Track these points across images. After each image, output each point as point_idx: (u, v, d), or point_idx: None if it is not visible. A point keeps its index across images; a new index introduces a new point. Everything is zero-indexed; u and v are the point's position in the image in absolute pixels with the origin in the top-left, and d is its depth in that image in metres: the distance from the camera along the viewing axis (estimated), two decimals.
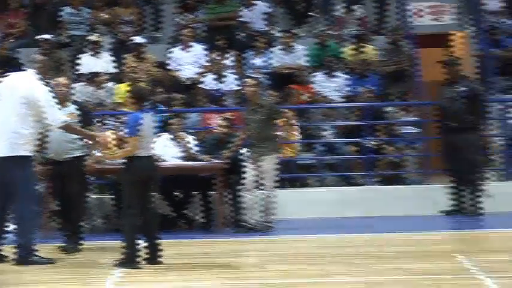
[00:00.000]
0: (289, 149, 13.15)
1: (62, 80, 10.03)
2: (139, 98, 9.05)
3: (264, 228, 11.34)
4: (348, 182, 13.32)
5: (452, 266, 8.47)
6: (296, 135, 13.23)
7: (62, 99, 9.63)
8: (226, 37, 15.00)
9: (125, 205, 8.96)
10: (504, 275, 7.89)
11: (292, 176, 13.38)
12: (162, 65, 14.26)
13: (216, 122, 12.65)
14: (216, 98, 13.86)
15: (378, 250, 9.58)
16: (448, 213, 12.30)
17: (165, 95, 13.59)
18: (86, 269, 8.96)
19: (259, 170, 11.35)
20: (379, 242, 10.26)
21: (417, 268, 8.38)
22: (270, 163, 11.35)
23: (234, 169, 11.78)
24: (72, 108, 9.84)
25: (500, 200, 12.39)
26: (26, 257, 8.96)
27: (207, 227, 11.83)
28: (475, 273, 8.07)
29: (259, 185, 11.41)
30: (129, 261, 8.86)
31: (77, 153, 9.86)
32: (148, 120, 8.97)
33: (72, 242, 9.85)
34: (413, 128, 13.83)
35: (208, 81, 14.37)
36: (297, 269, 8.60)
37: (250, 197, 11.40)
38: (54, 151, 9.84)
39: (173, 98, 13.52)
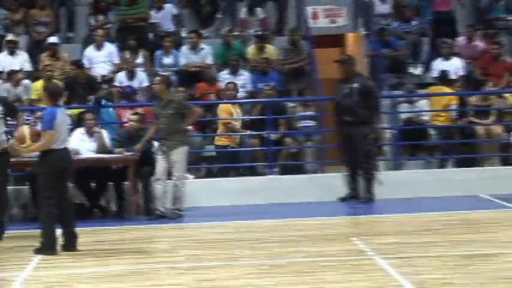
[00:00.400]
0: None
1: None
2: (53, 95, 9.03)
3: (174, 215, 11.30)
4: (252, 172, 13.36)
5: (349, 248, 8.62)
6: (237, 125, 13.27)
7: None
8: (137, 37, 14.88)
9: (42, 195, 8.87)
10: (394, 256, 8.09)
11: (199, 166, 13.41)
12: (77, 63, 14.05)
13: (128, 117, 12.55)
14: (128, 94, 13.73)
15: (281, 235, 9.64)
16: (344, 200, 12.45)
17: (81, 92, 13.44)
18: (5, 256, 8.81)
19: (169, 162, 11.28)
20: (282, 227, 10.33)
21: (317, 251, 8.49)
22: (179, 155, 11.29)
23: (145, 161, 11.72)
24: None
25: (390, 188, 12.58)
26: None
27: (120, 216, 11.74)
28: (369, 254, 8.23)
29: (169, 175, 11.34)
30: (47, 248, 8.75)
31: None
32: (62, 115, 8.89)
33: None
34: (311, 121, 13.94)
35: (120, 79, 14.23)
36: (206, 254, 8.62)
37: (160, 186, 11.34)
38: None
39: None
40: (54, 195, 8.77)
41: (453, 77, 14.25)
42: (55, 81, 13.29)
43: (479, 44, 15.18)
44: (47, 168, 8.81)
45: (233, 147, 13.30)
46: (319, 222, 10.62)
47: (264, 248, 8.83)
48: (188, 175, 13.25)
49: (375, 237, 9.33)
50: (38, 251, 8.75)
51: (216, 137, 13.45)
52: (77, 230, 8.99)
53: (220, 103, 13.57)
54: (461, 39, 15.23)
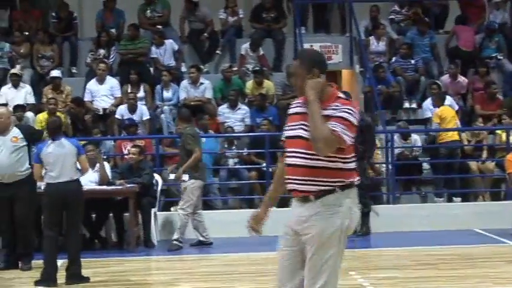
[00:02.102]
0: None
1: (2, 110, 9.95)
2: (49, 129, 9.12)
3: (173, 247, 11.00)
4: (249, 204, 13.09)
5: (349, 283, 8.33)
6: None
7: (5, 127, 9.58)
8: (138, 71, 14.69)
9: (43, 226, 8.67)
10: None
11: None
12: (77, 101, 13.90)
13: (129, 149, 12.31)
14: (128, 127, 13.49)
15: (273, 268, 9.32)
16: None
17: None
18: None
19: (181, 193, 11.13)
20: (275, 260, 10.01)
21: None
22: (189, 186, 11.04)
23: (145, 192, 11.47)
24: (16, 132, 9.62)
25: (385, 221, 12.35)
26: None
27: (121, 247, 11.44)
28: None
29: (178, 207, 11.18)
30: (45, 279, 8.47)
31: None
32: (56, 148, 8.67)
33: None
34: None
35: (122, 112, 14.01)
36: (206, 287, 8.35)
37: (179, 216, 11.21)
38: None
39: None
40: (53, 227, 8.53)
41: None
42: (58, 114, 13.11)
43: (462, 80, 15.06)
44: (45, 200, 8.65)
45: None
46: None
47: (266, 281, 8.53)
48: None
49: (373, 271, 9.08)
50: (38, 283, 8.47)
51: None
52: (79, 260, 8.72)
53: (219, 136, 13.35)
54: (445, 78, 15.09)
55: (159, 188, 12.00)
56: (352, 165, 4.94)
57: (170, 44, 15.30)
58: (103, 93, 14.40)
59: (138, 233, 11.47)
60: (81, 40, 16.08)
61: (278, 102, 14.67)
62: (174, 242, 11.09)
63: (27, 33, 15.49)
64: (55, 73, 14.45)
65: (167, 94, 14.62)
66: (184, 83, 14.67)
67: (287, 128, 4.96)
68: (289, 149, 4.89)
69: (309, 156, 4.79)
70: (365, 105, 14.78)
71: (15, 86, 14.21)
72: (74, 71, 15.78)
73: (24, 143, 9.61)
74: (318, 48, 15.94)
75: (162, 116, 14.35)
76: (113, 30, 15.67)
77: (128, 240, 11.35)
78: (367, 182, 12.08)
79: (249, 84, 14.83)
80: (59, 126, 9.16)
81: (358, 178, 4.91)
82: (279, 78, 15.11)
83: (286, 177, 4.89)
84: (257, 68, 14.98)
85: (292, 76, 4.95)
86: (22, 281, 8.99)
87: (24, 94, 14.21)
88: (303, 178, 4.80)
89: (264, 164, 13.14)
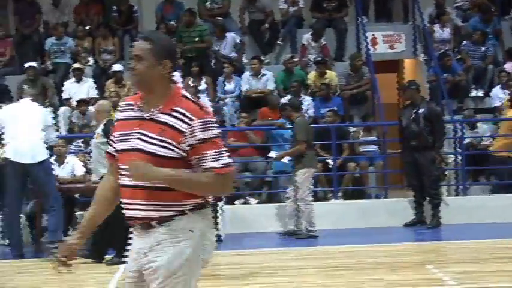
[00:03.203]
0: None
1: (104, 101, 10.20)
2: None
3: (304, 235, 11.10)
4: (316, 197, 12.83)
5: (428, 277, 8.05)
6: None
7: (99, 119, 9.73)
8: (199, 64, 14.52)
9: None
10: (476, 286, 7.50)
11: (260, 192, 12.94)
12: None
13: None
14: None
15: (355, 262, 9.09)
16: (409, 225, 11.89)
17: None
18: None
19: (294, 183, 11.12)
20: (353, 254, 9.77)
21: (396, 280, 7.92)
22: (299, 177, 11.03)
23: None
24: (99, 129, 9.59)
25: (455, 213, 12.03)
26: None
27: None
28: (450, 284, 7.66)
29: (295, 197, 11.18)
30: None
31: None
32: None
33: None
34: (373, 146, 13.43)
35: None
36: (278, 282, 8.12)
37: (288, 205, 11.27)
38: None
39: None
40: None
41: None
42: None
43: None
44: None
45: None
46: (389, 249, 10.02)
47: (338, 275, 8.29)
48: (252, 200, 12.86)
49: (452, 265, 8.73)
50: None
51: None
52: None
53: (284, 128, 13.08)
54: (509, 65, 14.62)
55: None
56: None
57: (232, 37, 15.10)
58: None
59: None
60: (142, 33, 15.92)
61: (341, 92, 14.40)
62: (305, 231, 11.08)
63: (88, 27, 15.45)
64: (117, 67, 14.38)
65: (229, 86, 14.44)
66: (246, 74, 14.46)
67: (117, 138, 3.89)
68: (123, 166, 3.84)
69: None
70: (430, 94, 14.42)
71: (78, 80, 14.17)
72: None
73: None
74: (380, 37, 15.67)
75: (225, 108, 14.17)
76: (173, 23, 15.53)
77: None
78: (438, 173, 11.78)
79: (311, 74, 14.57)
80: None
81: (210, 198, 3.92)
82: (342, 68, 14.82)
83: (123, 201, 3.90)
84: (319, 59, 14.71)
85: (133, 59, 3.81)
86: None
87: (86, 88, 14.15)
88: (143, 202, 3.81)
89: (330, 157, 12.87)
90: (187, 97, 3.83)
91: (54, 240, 9.68)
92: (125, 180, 3.84)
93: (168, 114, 3.77)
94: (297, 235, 11.18)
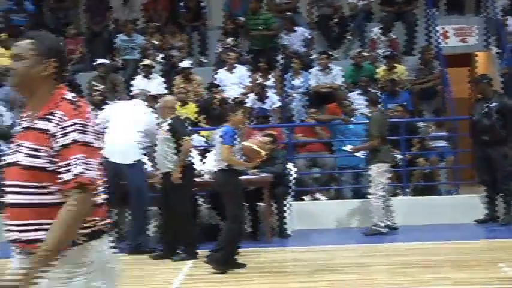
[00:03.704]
0: None
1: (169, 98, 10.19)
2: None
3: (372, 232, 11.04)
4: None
5: (498, 276, 7.84)
6: None
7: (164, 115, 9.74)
8: (267, 59, 14.50)
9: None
10: None
11: (329, 188, 12.86)
12: (211, 86, 13.80)
13: (261, 138, 12.08)
14: (260, 116, 13.31)
15: (421, 259, 8.95)
16: (481, 222, 11.66)
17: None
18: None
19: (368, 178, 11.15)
20: (420, 251, 9.62)
21: (464, 278, 7.76)
22: (373, 171, 11.00)
23: (279, 182, 11.25)
24: (165, 125, 9.65)
25: None
26: None
27: (255, 237, 11.26)
28: None
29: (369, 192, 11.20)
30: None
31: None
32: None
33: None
34: (444, 141, 13.20)
35: (252, 101, 13.85)
36: (345, 279, 8.03)
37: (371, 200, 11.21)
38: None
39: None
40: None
41: None
42: (189, 104, 13.14)
43: None
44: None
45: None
46: (458, 246, 9.83)
47: (405, 273, 8.16)
48: (320, 196, 12.78)
49: None
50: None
51: None
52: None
53: (354, 123, 12.96)
54: None
55: (293, 177, 11.75)
56: (101, 199, 3.42)
57: (301, 31, 15.03)
58: (233, 82, 14.30)
59: (273, 223, 11.27)
60: (210, 29, 16.02)
61: (411, 87, 14.20)
62: (373, 227, 11.04)
63: (157, 24, 15.57)
64: (185, 63, 14.45)
65: (297, 81, 14.38)
66: (314, 69, 14.38)
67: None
68: (7, 183, 3.40)
69: (30, 191, 3.31)
70: (503, 88, 14.12)
71: (147, 76, 14.28)
72: (203, 60, 15.75)
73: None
74: (451, 30, 15.40)
75: (293, 103, 14.12)
76: (241, 18, 15.54)
77: (262, 230, 11.15)
78: (510, 168, 11.52)
79: (381, 69, 14.41)
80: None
81: (107, 221, 3.41)
82: (412, 62, 14.62)
83: (5, 222, 3.42)
84: (388, 53, 14.53)
85: (13, 57, 3.44)
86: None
87: (155, 85, 14.24)
88: (25, 222, 3.32)
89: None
90: (67, 99, 3.38)
91: (134, 244, 9.86)
92: (7, 199, 3.39)
93: (44, 119, 3.35)
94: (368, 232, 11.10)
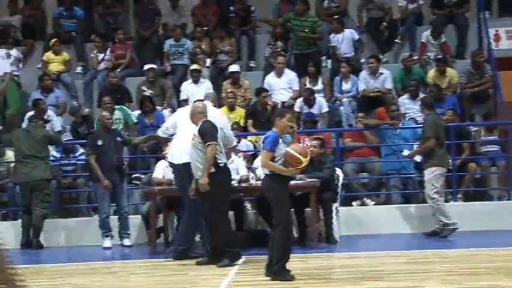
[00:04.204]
0: None
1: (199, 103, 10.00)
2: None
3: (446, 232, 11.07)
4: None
5: None
6: None
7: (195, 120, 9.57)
8: (315, 63, 14.43)
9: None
10: None
11: (378, 193, 12.73)
12: (262, 91, 13.78)
13: (310, 143, 12.03)
14: (308, 120, 13.24)
15: (471, 266, 8.80)
16: None
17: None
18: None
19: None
20: (470, 257, 9.46)
21: None
22: (427, 175, 11.05)
23: (327, 187, 11.17)
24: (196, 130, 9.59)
25: None
26: None
27: (302, 243, 11.18)
28: None
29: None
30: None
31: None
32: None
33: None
34: (495, 146, 13.00)
35: (300, 105, 13.79)
36: (390, 286, 7.93)
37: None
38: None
39: None
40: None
41: None
42: (237, 108, 13.10)
43: None
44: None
45: None
46: (509, 253, 9.65)
47: (453, 280, 8.03)
48: (369, 201, 12.67)
49: None
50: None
51: None
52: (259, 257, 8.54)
53: (401, 128, 12.82)
54: None
55: (340, 182, 11.67)
56: None
57: (350, 33, 14.93)
58: (281, 86, 14.27)
59: (320, 228, 11.19)
60: (259, 34, 16.01)
61: (462, 91, 14.01)
62: (444, 227, 11.07)
63: (205, 28, 15.61)
64: (234, 67, 14.47)
65: (346, 86, 14.29)
66: (363, 73, 14.27)
67: None
68: None
69: None
70: None
71: (196, 81, 14.30)
72: (252, 65, 15.75)
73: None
74: (504, 33, 15.18)
75: (341, 108, 14.03)
76: (280, 19, 15.48)
77: (309, 236, 11.09)
78: None
79: (431, 73, 14.24)
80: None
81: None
82: (463, 66, 14.43)
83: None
84: (439, 56, 14.37)
85: None
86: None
87: (204, 89, 14.19)
88: None
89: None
90: None
91: (181, 249, 9.86)
92: None
93: None
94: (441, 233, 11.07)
